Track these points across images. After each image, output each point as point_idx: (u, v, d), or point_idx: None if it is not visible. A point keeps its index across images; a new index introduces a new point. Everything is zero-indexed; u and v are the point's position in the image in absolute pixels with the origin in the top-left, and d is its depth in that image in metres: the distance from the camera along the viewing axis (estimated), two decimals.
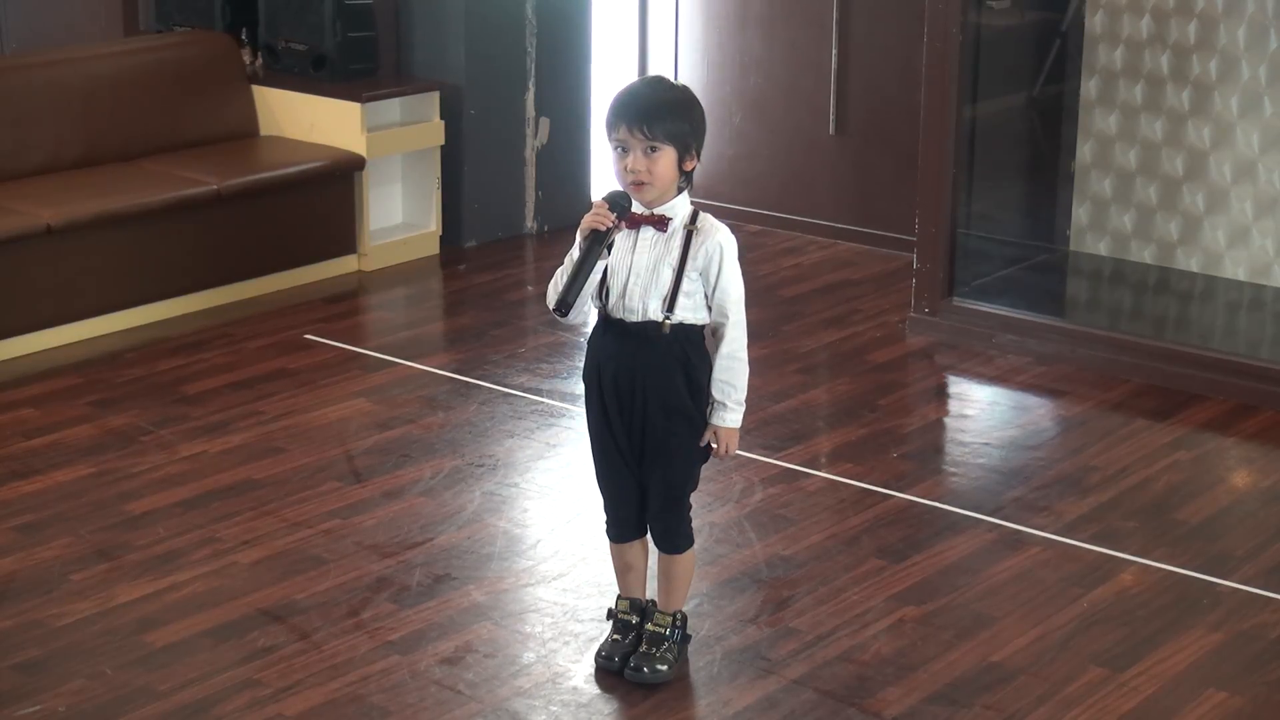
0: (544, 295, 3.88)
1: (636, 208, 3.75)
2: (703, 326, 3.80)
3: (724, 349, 3.79)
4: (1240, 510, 4.93)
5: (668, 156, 3.68)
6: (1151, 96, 6.48)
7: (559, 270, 3.78)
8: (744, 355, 3.81)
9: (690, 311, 3.76)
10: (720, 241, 3.74)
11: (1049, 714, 3.82)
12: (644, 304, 3.74)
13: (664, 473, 3.85)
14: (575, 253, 3.73)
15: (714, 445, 3.85)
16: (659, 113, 3.66)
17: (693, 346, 3.79)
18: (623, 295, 3.75)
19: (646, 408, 3.79)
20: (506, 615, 4.25)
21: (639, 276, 3.74)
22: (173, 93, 6.95)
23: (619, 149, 3.70)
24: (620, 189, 3.75)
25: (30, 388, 5.75)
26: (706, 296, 3.76)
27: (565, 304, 3.70)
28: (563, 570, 4.48)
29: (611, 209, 3.69)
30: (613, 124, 3.69)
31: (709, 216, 3.78)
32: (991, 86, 6.52)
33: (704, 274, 3.74)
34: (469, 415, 5.52)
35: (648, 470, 3.86)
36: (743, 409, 3.85)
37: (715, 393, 3.81)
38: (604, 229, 3.68)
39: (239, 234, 6.61)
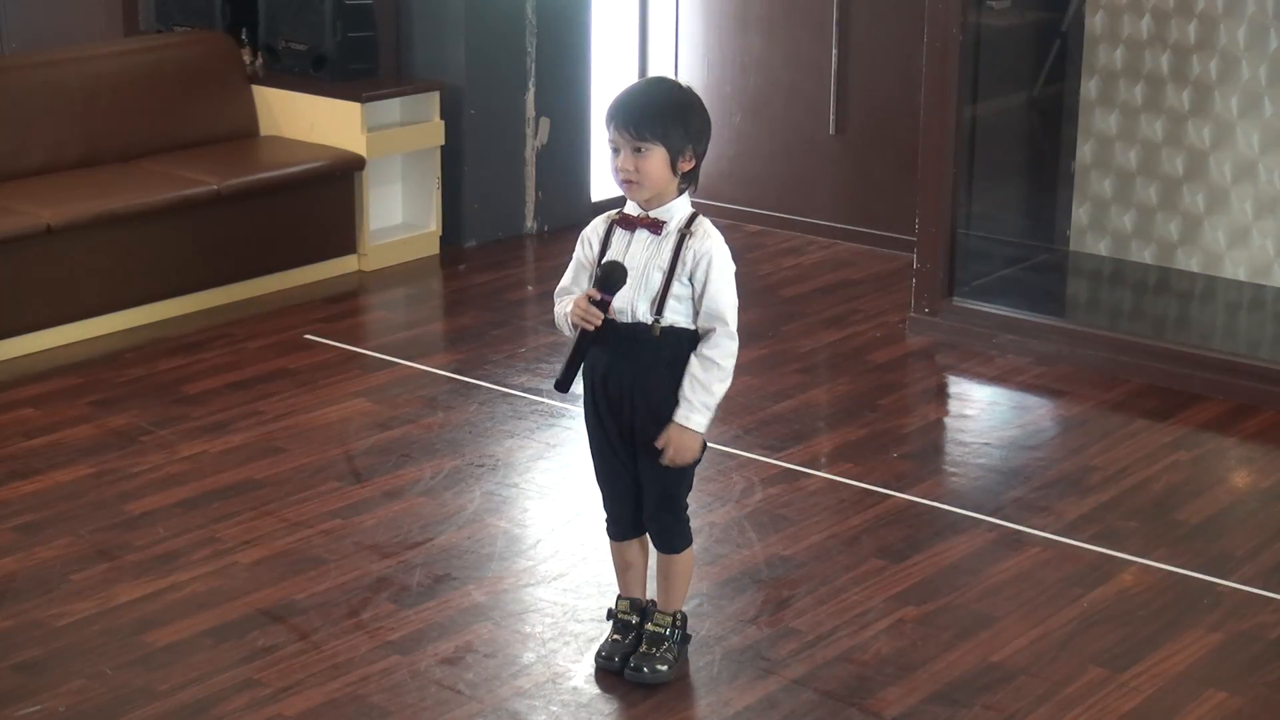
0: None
1: (633, 208, 3.75)
2: (695, 331, 3.78)
3: (703, 349, 3.72)
4: (1240, 510, 4.93)
5: (656, 156, 3.66)
6: (1151, 96, 6.48)
7: (559, 305, 3.77)
8: (725, 363, 3.73)
9: (681, 315, 3.74)
10: (709, 249, 3.71)
11: (1049, 714, 3.82)
12: (633, 306, 3.73)
13: (656, 474, 3.84)
14: (569, 312, 3.72)
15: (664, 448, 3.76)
16: (646, 113, 3.65)
17: (683, 350, 3.76)
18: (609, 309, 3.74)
19: (635, 409, 3.79)
20: (506, 615, 4.25)
21: (630, 277, 3.73)
22: (173, 93, 6.96)
23: (612, 149, 3.71)
24: (611, 260, 3.71)
25: (30, 388, 5.75)
26: (694, 302, 3.74)
27: (564, 385, 3.69)
28: (563, 570, 4.48)
29: (602, 287, 3.65)
30: (606, 124, 3.71)
31: (705, 222, 3.76)
32: (991, 86, 6.52)
33: (692, 279, 3.72)
34: (469, 415, 5.52)
35: (642, 469, 3.85)
36: (709, 415, 3.74)
37: (685, 386, 3.72)
38: (592, 329, 3.67)
39: (239, 234, 6.61)
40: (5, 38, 8.36)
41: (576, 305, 3.69)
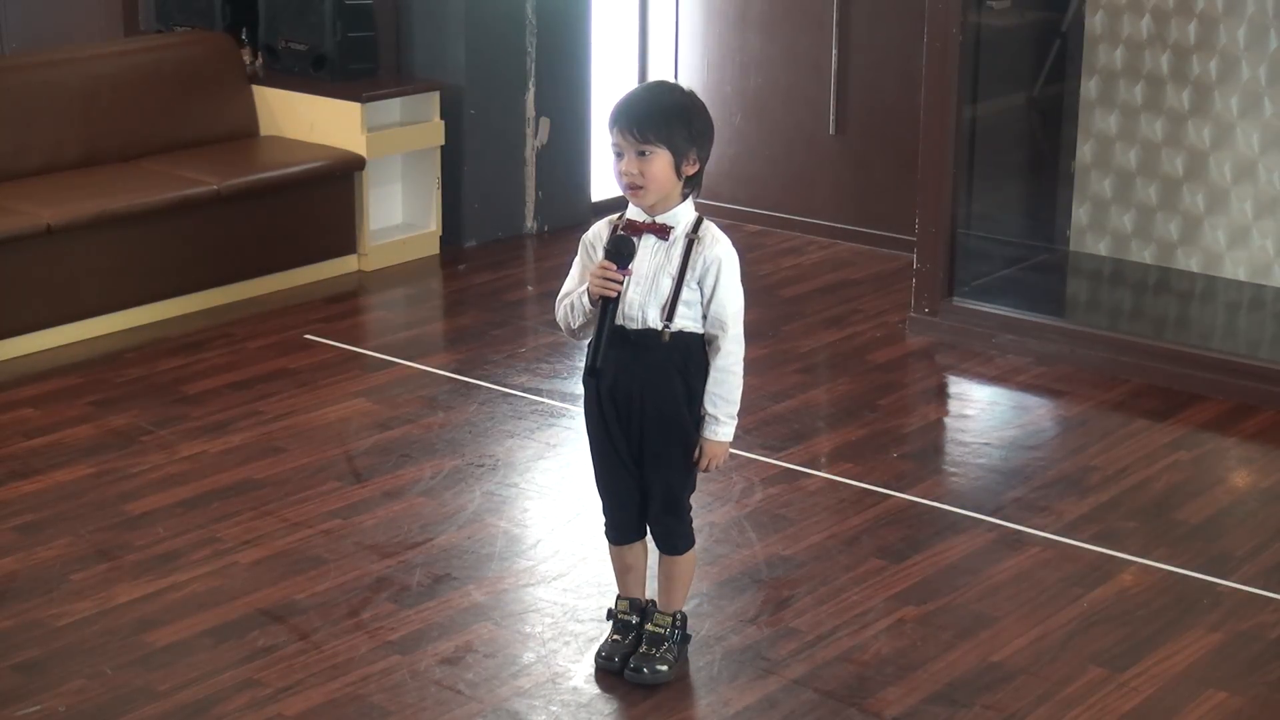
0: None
1: (636, 214, 3.75)
2: (703, 336, 3.79)
3: (718, 361, 3.77)
4: (1240, 510, 4.93)
5: (661, 159, 3.66)
6: (1151, 96, 6.48)
7: (564, 304, 3.77)
8: (739, 369, 3.79)
9: (691, 321, 3.75)
10: (719, 254, 3.72)
11: (1049, 714, 3.82)
12: (643, 312, 3.73)
13: (663, 477, 3.84)
14: (583, 292, 3.71)
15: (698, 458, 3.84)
16: (650, 116, 3.65)
17: (692, 356, 3.77)
18: (622, 302, 3.74)
19: (644, 415, 3.79)
20: (506, 615, 4.25)
21: (639, 284, 3.72)
22: (173, 93, 6.96)
23: (615, 153, 3.70)
24: (620, 234, 3.73)
25: (30, 388, 5.75)
26: (702, 306, 3.75)
27: (594, 369, 3.69)
28: (563, 570, 4.48)
29: (616, 261, 3.67)
30: (610, 128, 3.70)
31: (712, 226, 3.77)
32: (991, 86, 6.52)
33: (701, 284, 3.73)
34: (469, 415, 5.52)
35: (647, 474, 3.85)
36: (734, 423, 3.83)
37: (706, 404, 3.78)
38: (614, 295, 3.67)
39: (239, 234, 6.61)
40: (5, 38, 8.37)
41: (593, 276, 3.68)
